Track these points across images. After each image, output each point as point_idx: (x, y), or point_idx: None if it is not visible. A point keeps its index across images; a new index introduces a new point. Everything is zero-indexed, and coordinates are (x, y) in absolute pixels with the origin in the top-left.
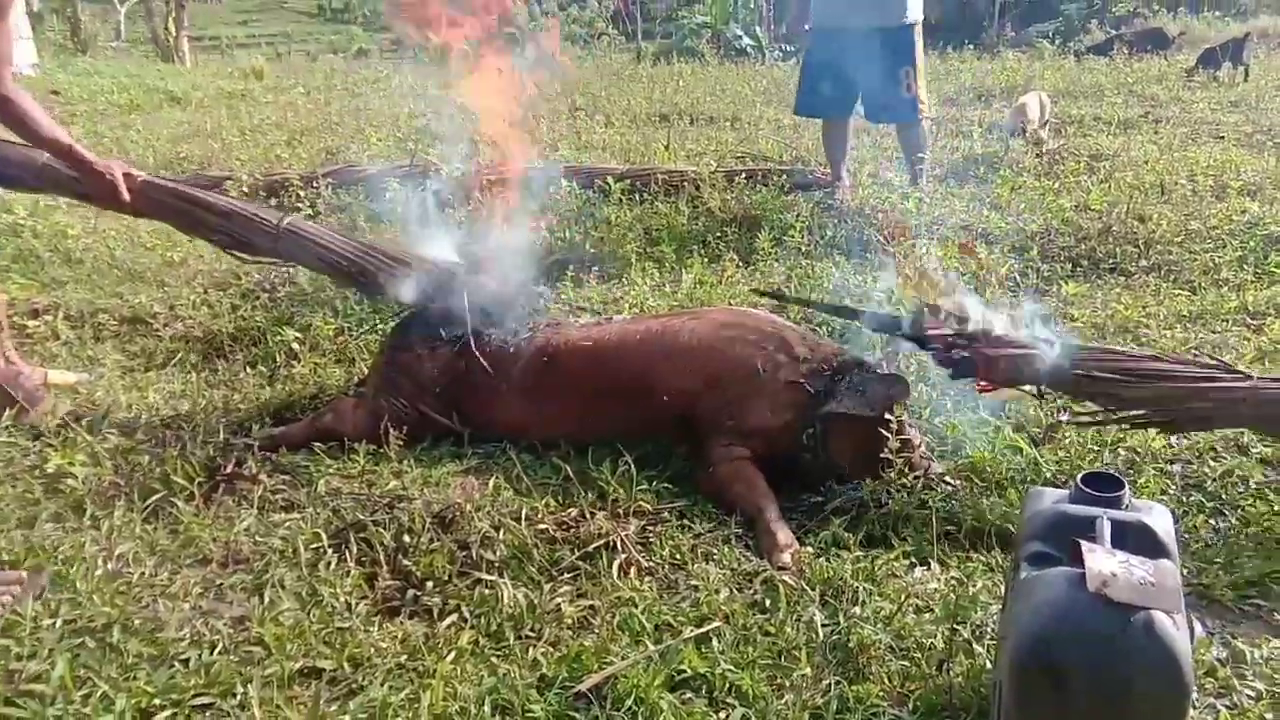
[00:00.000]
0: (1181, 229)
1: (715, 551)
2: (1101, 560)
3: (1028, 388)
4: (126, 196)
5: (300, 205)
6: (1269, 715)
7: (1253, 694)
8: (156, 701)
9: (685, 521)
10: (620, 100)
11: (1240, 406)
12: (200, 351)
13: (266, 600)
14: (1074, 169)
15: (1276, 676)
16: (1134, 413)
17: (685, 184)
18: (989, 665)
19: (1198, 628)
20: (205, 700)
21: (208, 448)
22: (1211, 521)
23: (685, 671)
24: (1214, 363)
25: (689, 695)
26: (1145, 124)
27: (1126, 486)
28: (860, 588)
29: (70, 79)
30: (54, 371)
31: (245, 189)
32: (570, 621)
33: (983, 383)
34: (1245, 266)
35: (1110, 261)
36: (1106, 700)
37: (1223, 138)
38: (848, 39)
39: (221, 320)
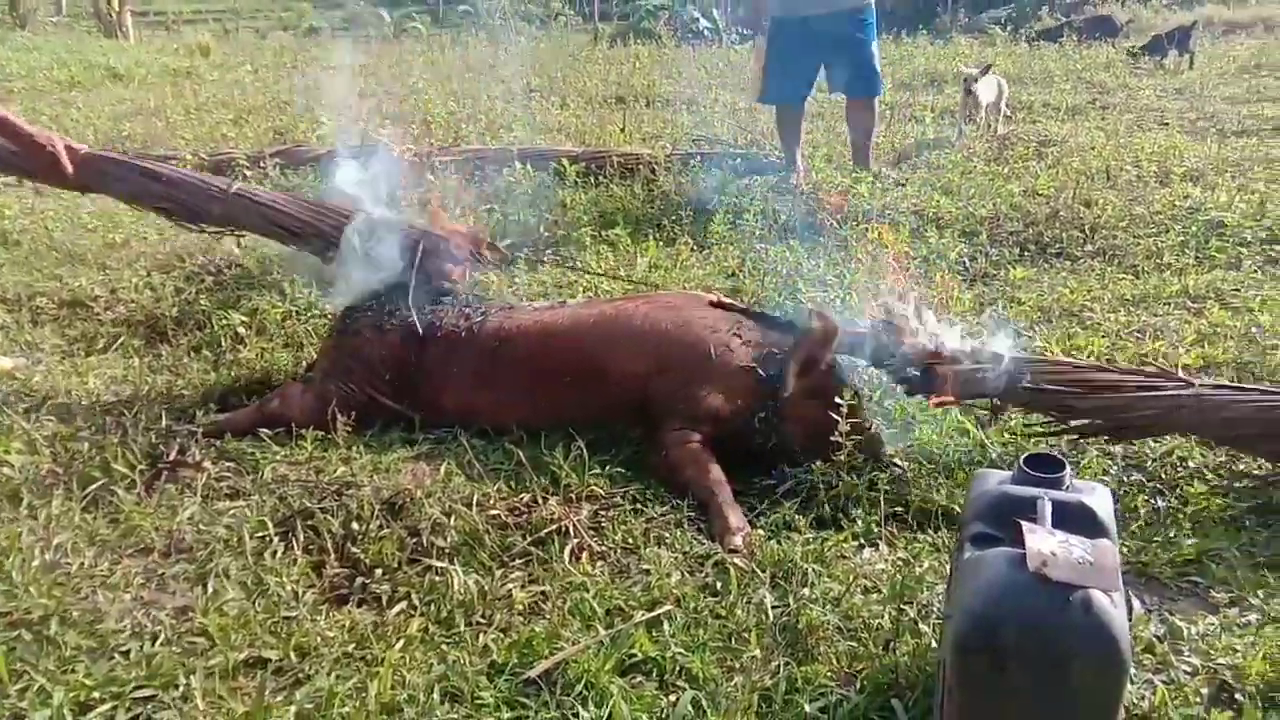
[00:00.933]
0: (1126, 214)
1: (667, 535)
2: (1041, 540)
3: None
4: (69, 169)
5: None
6: (1204, 690)
7: (1189, 669)
8: (96, 694)
9: (638, 506)
10: (576, 82)
11: (1182, 414)
12: (143, 336)
13: (210, 590)
14: (1022, 154)
15: (1211, 652)
16: (1083, 423)
17: (640, 167)
18: (935, 644)
19: (1136, 605)
20: (147, 693)
21: (150, 434)
22: (1151, 501)
23: (636, 655)
24: (1157, 371)
25: (639, 679)
26: (1093, 110)
27: (1068, 468)
28: (810, 569)
29: (8, 54)
30: None
31: (190, 169)
32: (521, 607)
33: (936, 398)
34: (1187, 251)
35: (1057, 246)
36: (1046, 677)
37: (1167, 124)
38: (811, 24)
39: (165, 303)
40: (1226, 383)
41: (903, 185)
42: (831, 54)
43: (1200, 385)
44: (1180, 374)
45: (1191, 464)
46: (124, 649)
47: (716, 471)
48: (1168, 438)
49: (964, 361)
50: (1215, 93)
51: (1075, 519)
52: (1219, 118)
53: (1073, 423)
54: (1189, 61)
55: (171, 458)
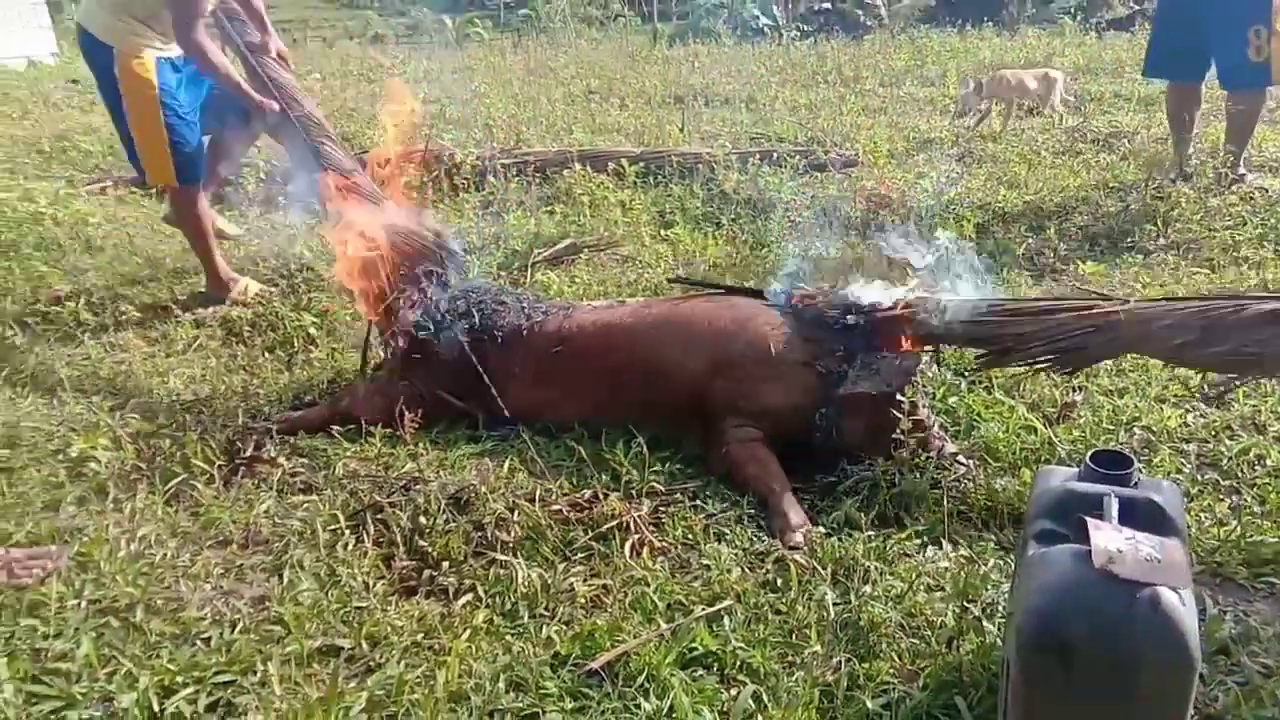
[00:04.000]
0: (1201, 206)
1: (727, 531)
2: (1108, 537)
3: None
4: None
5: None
6: (1279, 691)
7: (1263, 670)
8: (179, 679)
9: (698, 502)
10: (635, 82)
11: (1120, 330)
12: (219, 337)
13: (286, 580)
14: (1092, 147)
15: None
16: (1025, 350)
17: (700, 166)
18: (999, 643)
19: (1209, 605)
20: (226, 678)
21: (227, 431)
22: (1226, 500)
23: (697, 649)
24: (1098, 295)
25: (700, 672)
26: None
27: (1135, 464)
28: (872, 567)
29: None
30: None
31: (263, 176)
32: (583, 601)
33: (888, 347)
34: (1265, 244)
35: (1129, 240)
36: (1113, 676)
37: None
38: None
39: (240, 307)
40: (1161, 297)
41: (965, 179)
42: (1217, 31)
43: (1135, 302)
44: (1119, 296)
45: (1269, 462)
46: (205, 636)
47: (777, 468)
48: (1244, 436)
49: (915, 309)
50: None
51: (1143, 516)
52: None
53: (1015, 353)
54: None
55: (248, 454)
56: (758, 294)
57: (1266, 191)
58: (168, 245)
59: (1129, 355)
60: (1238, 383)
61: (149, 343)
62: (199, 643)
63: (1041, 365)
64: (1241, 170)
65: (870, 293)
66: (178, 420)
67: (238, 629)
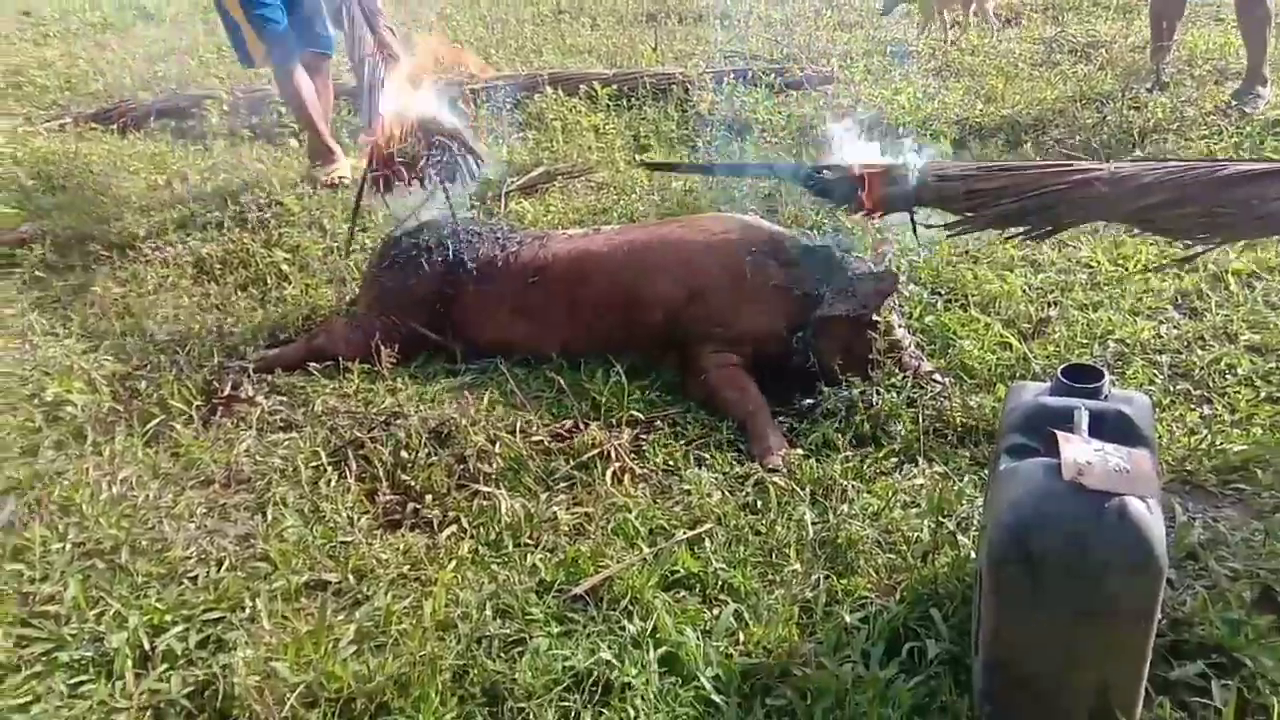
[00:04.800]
0: (1177, 116)
1: (707, 456)
2: (1077, 449)
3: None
4: None
5: (282, 123)
6: (1246, 594)
7: (1230, 574)
8: (168, 617)
9: (677, 428)
10: (606, 1)
11: (1091, 189)
12: (191, 276)
13: (270, 518)
14: (1070, 58)
15: (1254, 557)
16: (998, 207)
17: (673, 87)
18: (973, 556)
19: (1178, 512)
20: (215, 615)
21: (203, 371)
22: (1198, 409)
23: (679, 571)
24: (1073, 157)
25: (683, 593)
26: (1144, 6)
27: (1106, 377)
28: (849, 486)
29: None
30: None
31: (226, 108)
32: (566, 529)
33: (863, 207)
34: (1241, 152)
35: (1105, 152)
36: (1081, 584)
37: (1223, 20)
38: None
39: (210, 244)
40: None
41: (943, 93)
42: None
43: (1114, 165)
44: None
45: (1240, 371)
46: (192, 575)
47: (755, 392)
48: (1216, 345)
49: (881, 173)
50: None
51: (1113, 428)
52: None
53: (984, 211)
54: None
55: (225, 394)
56: (741, 170)
57: (1251, 114)
58: (132, 182)
59: (1104, 265)
60: (1206, 247)
61: (119, 283)
62: (186, 581)
63: (1016, 230)
64: (1256, 86)
65: (848, 153)
66: (153, 361)
67: (224, 567)
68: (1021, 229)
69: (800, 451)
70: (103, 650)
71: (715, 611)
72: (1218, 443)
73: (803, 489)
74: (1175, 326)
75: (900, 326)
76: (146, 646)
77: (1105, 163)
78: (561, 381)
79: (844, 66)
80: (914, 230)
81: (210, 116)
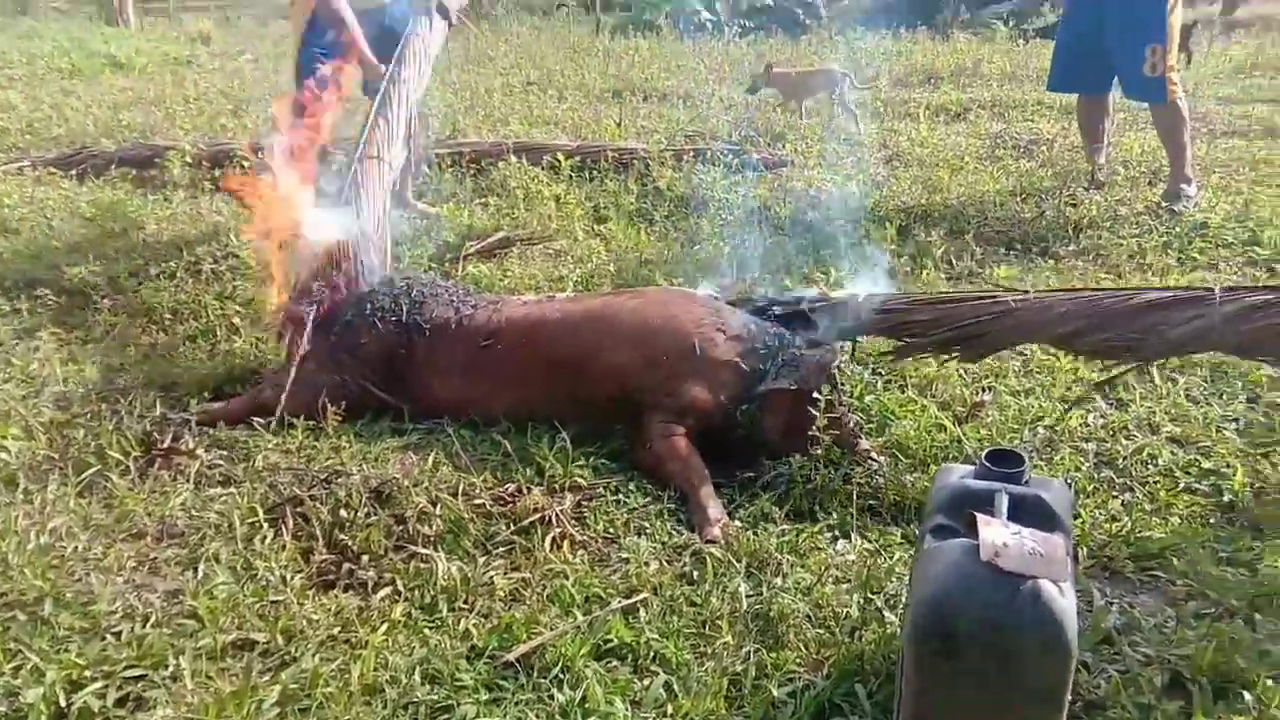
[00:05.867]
0: (1111, 214)
1: (648, 525)
2: (995, 532)
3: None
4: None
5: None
6: (1157, 679)
7: (1143, 659)
8: (88, 673)
9: (620, 496)
10: (575, 75)
11: (1014, 316)
12: (139, 325)
13: (200, 574)
14: (1012, 153)
15: (1166, 644)
16: (931, 337)
17: (635, 162)
18: (900, 633)
19: (1096, 597)
20: (137, 672)
21: (144, 422)
22: (1120, 497)
23: (612, 641)
24: (1005, 289)
25: (615, 663)
26: None
27: (1027, 462)
28: (784, 559)
29: (9, 42)
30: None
31: (189, 159)
32: (502, 594)
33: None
34: (1169, 251)
35: (1041, 245)
36: (995, 664)
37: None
38: (1104, 8)
39: (162, 294)
40: (1058, 289)
41: (891, 181)
42: (1117, 45)
43: (1035, 293)
44: (1020, 288)
45: (1161, 461)
46: (116, 630)
47: (698, 464)
48: (1139, 436)
49: (829, 307)
50: (1209, 92)
51: (1031, 512)
52: (1210, 118)
53: (924, 339)
54: (1186, 60)
55: (164, 445)
56: None
57: (1182, 213)
58: (88, 229)
59: (1036, 354)
60: (1125, 369)
61: (66, 329)
62: (109, 637)
63: (949, 355)
64: (1181, 186)
65: (791, 292)
66: (93, 410)
67: (150, 623)
68: (956, 352)
69: (738, 523)
70: (16, 706)
71: (646, 682)
72: (1137, 530)
73: (739, 561)
74: (1102, 416)
75: (840, 404)
76: (63, 703)
77: (1024, 294)
78: (508, 445)
79: (799, 152)
80: (853, 355)
81: (172, 167)
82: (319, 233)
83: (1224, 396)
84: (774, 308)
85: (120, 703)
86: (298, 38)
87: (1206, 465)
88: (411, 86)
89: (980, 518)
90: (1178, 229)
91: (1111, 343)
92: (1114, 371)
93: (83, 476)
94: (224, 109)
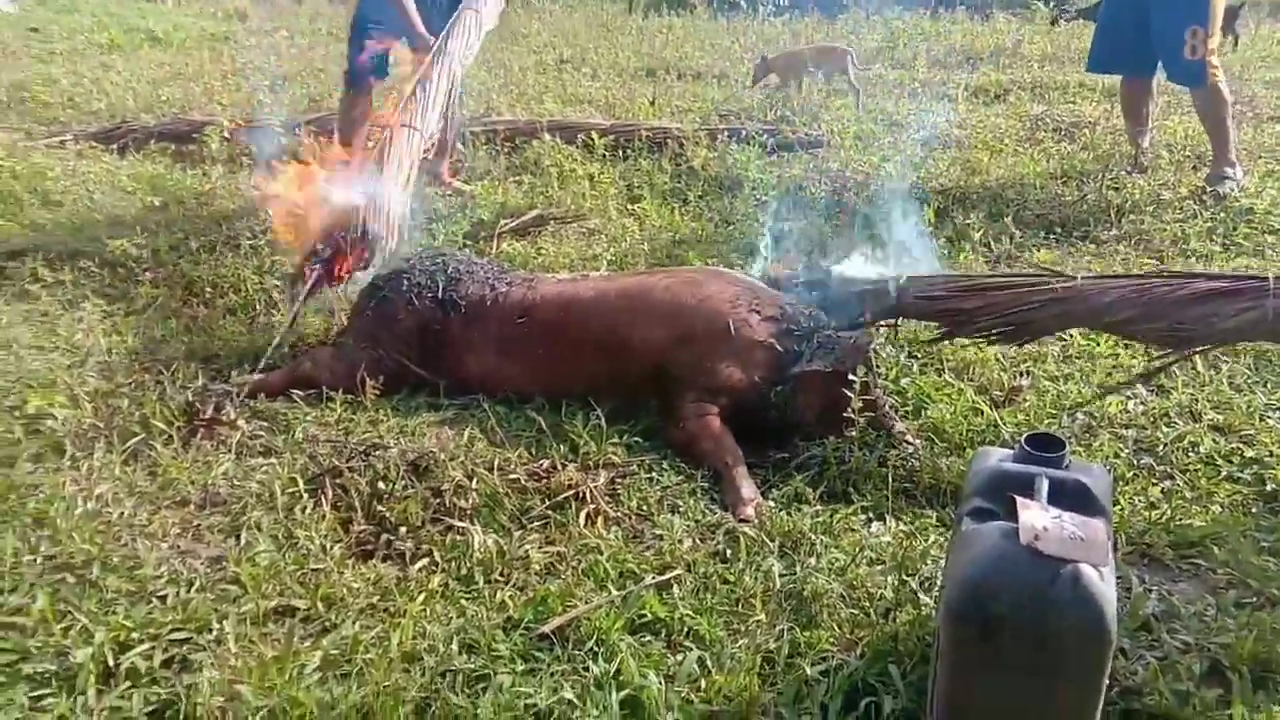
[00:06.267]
0: (1154, 198)
1: (681, 503)
2: (1035, 515)
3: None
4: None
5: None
6: (1196, 667)
7: (1182, 647)
8: (134, 635)
9: (653, 474)
10: (608, 53)
11: (1063, 304)
12: (180, 298)
13: (243, 541)
14: (1053, 136)
15: (1206, 631)
16: (976, 324)
17: (669, 141)
18: (934, 615)
19: (1134, 583)
20: (182, 635)
21: (186, 393)
22: (1159, 484)
23: (646, 616)
24: (1047, 271)
25: (648, 638)
26: None
27: (1067, 447)
28: (818, 540)
29: (50, 16)
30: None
31: (227, 135)
32: (538, 567)
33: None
34: (1214, 237)
35: (1082, 229)
36: (1033, 648)
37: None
38: None
39: (202, 267)
40: (1108, 274)
41: (928, 162)
42: (1159, 25)
43: (1082, 279)
44: (1067, 272)
45: (1203, 449)
46: (161, 594)
47: (731, 443)
48: (1180, 423)
49: (867, 285)
50: (1256, 76)
51: (1071, 497)
52: (1257, 102)
53: (966, 327)
54: (1233, 43)
55: (207, 415)
56: None
57: (1226, 197)
58: (128, 203)
59: (1076, 339)
60: (1173, 359)
61: (109, 300)
62: (155, 600)
63: (993, 339)
64: (1225, 169)
65: (835, 270)
66: (136, 380)
67: (194, 588)
68: (999, 338)
69: (772, 503)
70: (67, 665)
71: (679, 657)
72: (1177, 518)
73: (772, 540)
74: (1142, 402)
75: (876, 387)
76: (111, 663)
77: (1072, 278)
78: (542, 422)
79: (835, 131)
80: (894, 338)
81: (210, 142)
82: (333, 195)
83: (1268, 384)
84: (808, 286)
85: (166, 664)
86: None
87: (1249, 454)
88: (458, 59)
89: (1020, 501)
90: (1222, 215)
91: (1162, 331)
92: (1158, 362)
93: (128, 445)
94: (261, 85)
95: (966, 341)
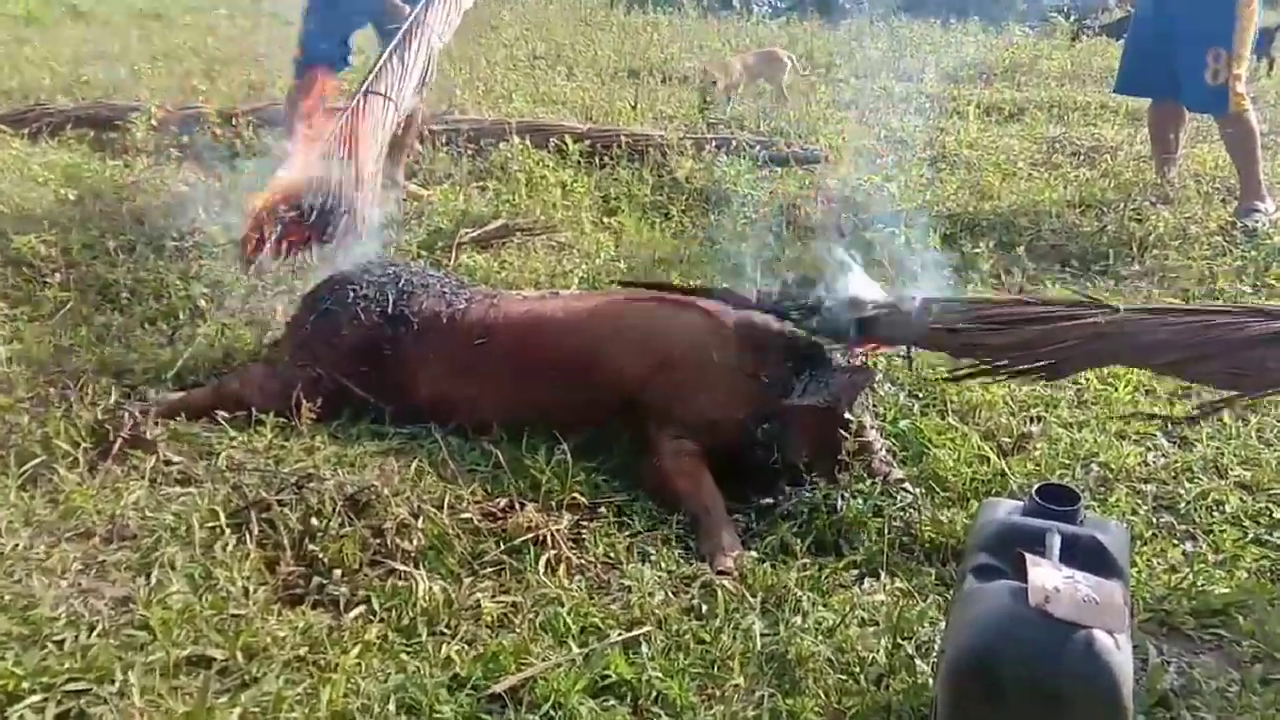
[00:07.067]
0: (1180, 233)
1: (653, 551)
2: (1046, 575)
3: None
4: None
5: (216, 145)
6: None
7: None
8: (25, 684)
9: (623, 518)
10: (586, 51)
11: (1105, 341)
12: (93, 303)
13: (154, 581)
14: (1071, 160)
15: (1229, 709)
16: (1006, 362)
17: (651, 149)
18: (931, 683)
19: (1152, 654)
20: (80, 685)
21: (96, 410)
22: (1180, 545)
23: (610, 677)
24: (1082, 299)
25: (612, 702)
26: None
27: (1082, 500)
28: (804, 597)
29: None
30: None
31: (155, 123)
32: (490, 619)
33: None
34: (1244, 277)
35: (1101, 263)
36: (1041, 717)
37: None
38: (1175, 5)
39: (119, 269)
40: (1155, 305)
41: (936, 185)
42: (1181, 47)
43: (1126, 310)
44: (1109, 301)
45: (1228, 509)
46: (58, 638)
47: (711, 485)
48: (1204, 479)
49: (882, 308)
50: None
51: (1085, 555)
52: None
53: (997, 363)
54: (1268, 67)
55: (128, 433)
56: (709, 294)
57: (1257, 232)
58: (39, 194)
59: (1092, 382)
60: (1222, 403)
61: (11, 303)
62: (50, 645)
63: (1019, 377)
64: (1255, 203)
65: (841, 290)
66: (39, 394)
67: (96, 632)
68: (1027, 375)
69: (754, 555)
70: None
71: None
72: (1199, 583)
73: (754, 596)
74: (1163, 454)
75: (872, 428)
76: None
77: (1115, 310)
78: (500, 455)
79: (833, 146)
80: (910, 365)
81: (135, 130)
82: (298, 163)
83: None
84: (802, 308)
85: (60, 718)
86: None
87: (1278, 515)
88: (436, 33)
89: (1029, 558)
90: (1253, 253)
91: (1211, 374)
92: (1211, 403)
93: (26, 467)
94: (195, 69)
95: (980, 379)
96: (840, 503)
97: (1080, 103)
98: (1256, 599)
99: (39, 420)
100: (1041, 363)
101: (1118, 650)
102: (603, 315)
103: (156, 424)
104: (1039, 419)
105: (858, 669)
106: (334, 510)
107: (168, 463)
